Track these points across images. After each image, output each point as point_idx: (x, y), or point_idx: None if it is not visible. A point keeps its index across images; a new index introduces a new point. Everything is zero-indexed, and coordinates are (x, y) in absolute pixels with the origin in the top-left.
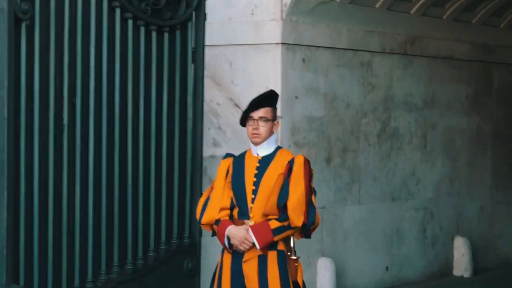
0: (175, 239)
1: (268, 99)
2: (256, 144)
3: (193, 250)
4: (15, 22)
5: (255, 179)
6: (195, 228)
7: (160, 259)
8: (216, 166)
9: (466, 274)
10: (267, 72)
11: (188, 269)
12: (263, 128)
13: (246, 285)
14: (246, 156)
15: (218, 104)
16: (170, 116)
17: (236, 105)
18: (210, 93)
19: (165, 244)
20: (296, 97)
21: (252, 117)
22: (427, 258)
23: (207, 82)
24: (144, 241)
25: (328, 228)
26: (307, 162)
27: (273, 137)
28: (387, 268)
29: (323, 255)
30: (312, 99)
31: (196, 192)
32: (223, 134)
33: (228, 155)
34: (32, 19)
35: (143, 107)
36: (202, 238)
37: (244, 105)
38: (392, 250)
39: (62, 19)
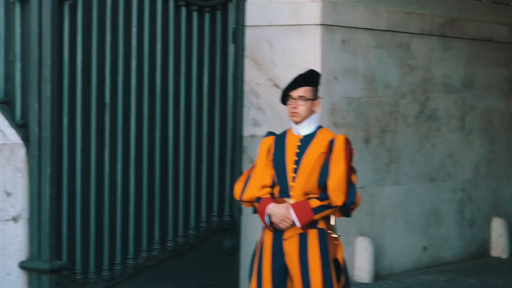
0: (215, 217)
1: (308, 78)
2: (295, 123)
3: (233, 228)
4: (58, 2)
5: (296, 158)
6: (235, 207)
7: (200, 237)
8: (256, 145)
9: (504, 255)
10: (306, 53)
11: (228, 247)
12: (301, 107)
13: (287, 262)
14: (287, 135)
15: (258, 84)
16: (210, 96)
17: (276, 85)
18: (250, 73)
19: (205, 222)
20: (335, 78)
21: (291, 96)
22: (465, 239)
23: (247, 62)
24: (184, 219)
25: (367, 209)
26: (348, 142)
27: (314, 116)
28: (424, 248)
29: (361, 235)
30: (351, 80)
31: (236, 171)
32: (263, 114)
33: (269, 133)
34: None
35: (184, 87)
36: (242, 217)
37: (284, 85)
38: (430, 231)
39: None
